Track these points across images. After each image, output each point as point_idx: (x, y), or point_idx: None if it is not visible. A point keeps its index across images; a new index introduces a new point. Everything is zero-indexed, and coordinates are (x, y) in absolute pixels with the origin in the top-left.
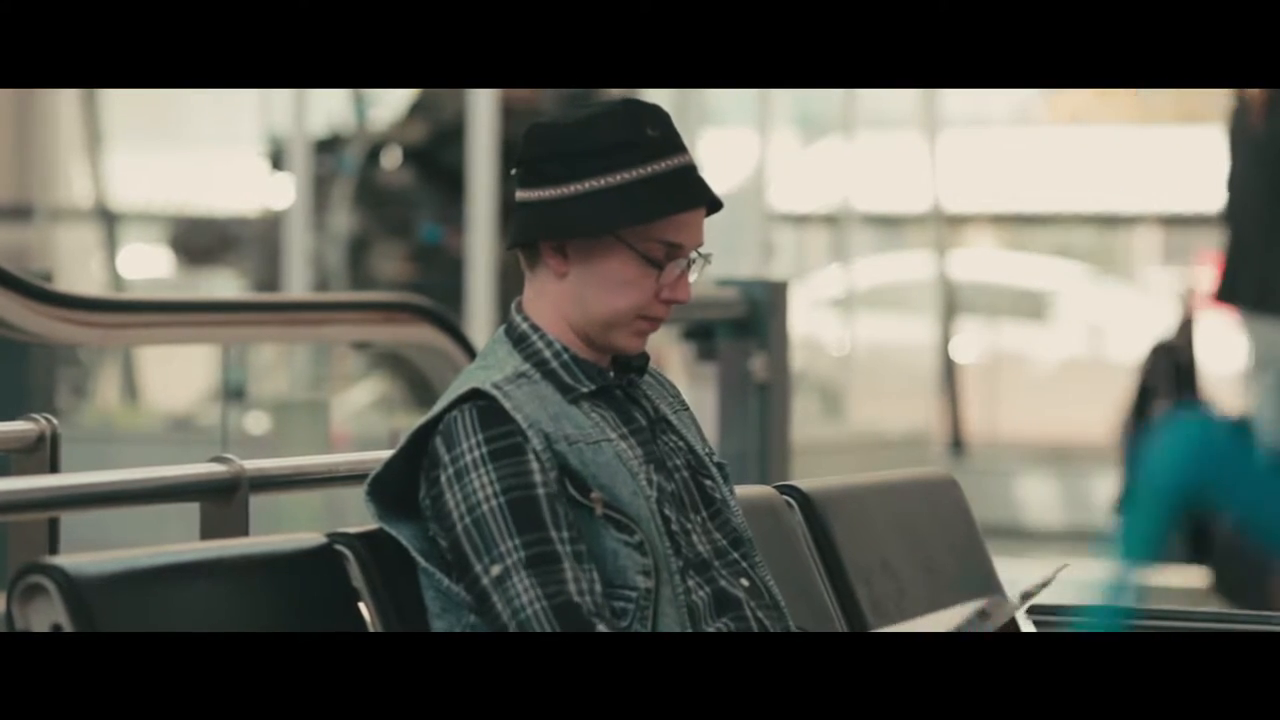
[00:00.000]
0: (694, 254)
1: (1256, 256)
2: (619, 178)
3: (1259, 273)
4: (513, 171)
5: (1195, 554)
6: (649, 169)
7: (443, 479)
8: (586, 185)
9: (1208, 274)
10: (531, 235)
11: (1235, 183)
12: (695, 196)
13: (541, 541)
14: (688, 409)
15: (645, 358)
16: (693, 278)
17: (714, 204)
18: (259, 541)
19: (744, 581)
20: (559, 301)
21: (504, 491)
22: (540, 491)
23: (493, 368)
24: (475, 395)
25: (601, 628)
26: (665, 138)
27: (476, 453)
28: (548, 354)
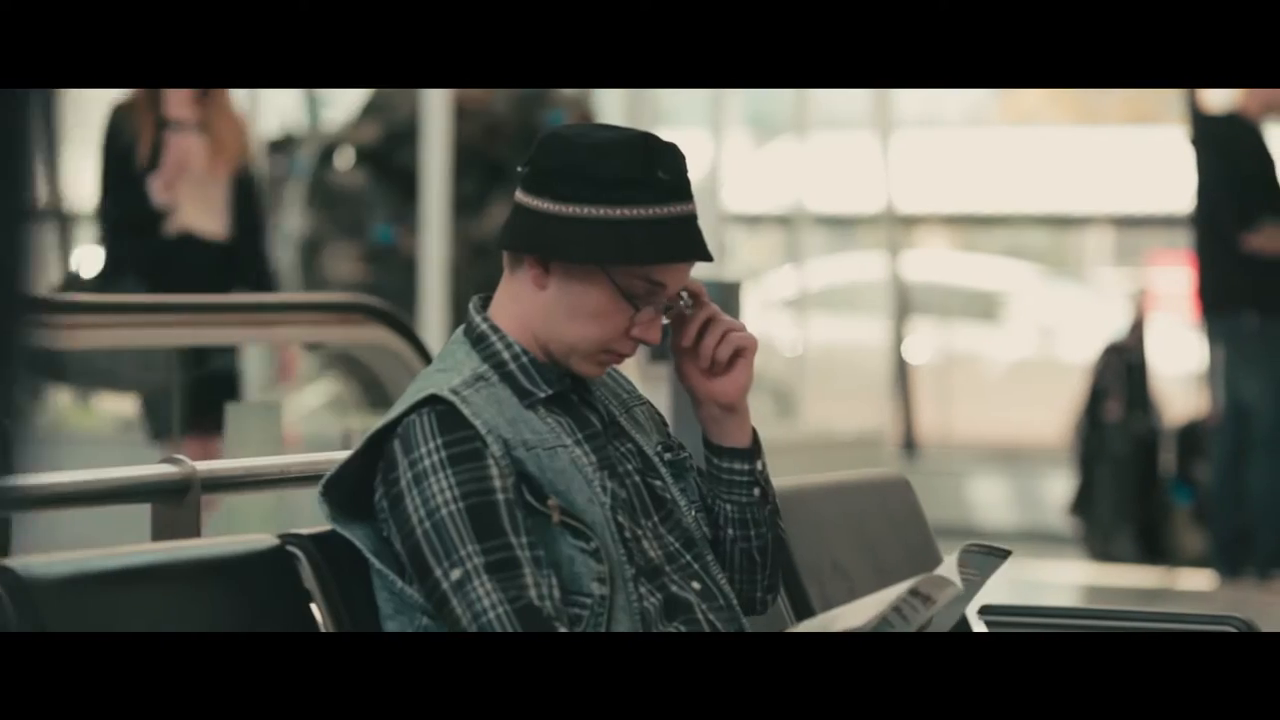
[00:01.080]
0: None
1: None
2: (619, 213)
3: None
4: (519, 168)
5: (1234, 563)
6: (650, 211)
7: (401, 482)
8: (585, 211)
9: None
10: (519, 244)
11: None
12: (688, 250)
13: (502, 547)
14: (644, 402)
15: None
16: (665, 320)
17: (706, 258)
18: (210, 543)
19: (695, 585)
20: (530, 310)
21: (463, 496)
22: (499, 497)
23: (451, 370)
24: (434, 400)
25: (563, 631)
26: (674, 183)
27: (435, 457)
28: (506, 356)
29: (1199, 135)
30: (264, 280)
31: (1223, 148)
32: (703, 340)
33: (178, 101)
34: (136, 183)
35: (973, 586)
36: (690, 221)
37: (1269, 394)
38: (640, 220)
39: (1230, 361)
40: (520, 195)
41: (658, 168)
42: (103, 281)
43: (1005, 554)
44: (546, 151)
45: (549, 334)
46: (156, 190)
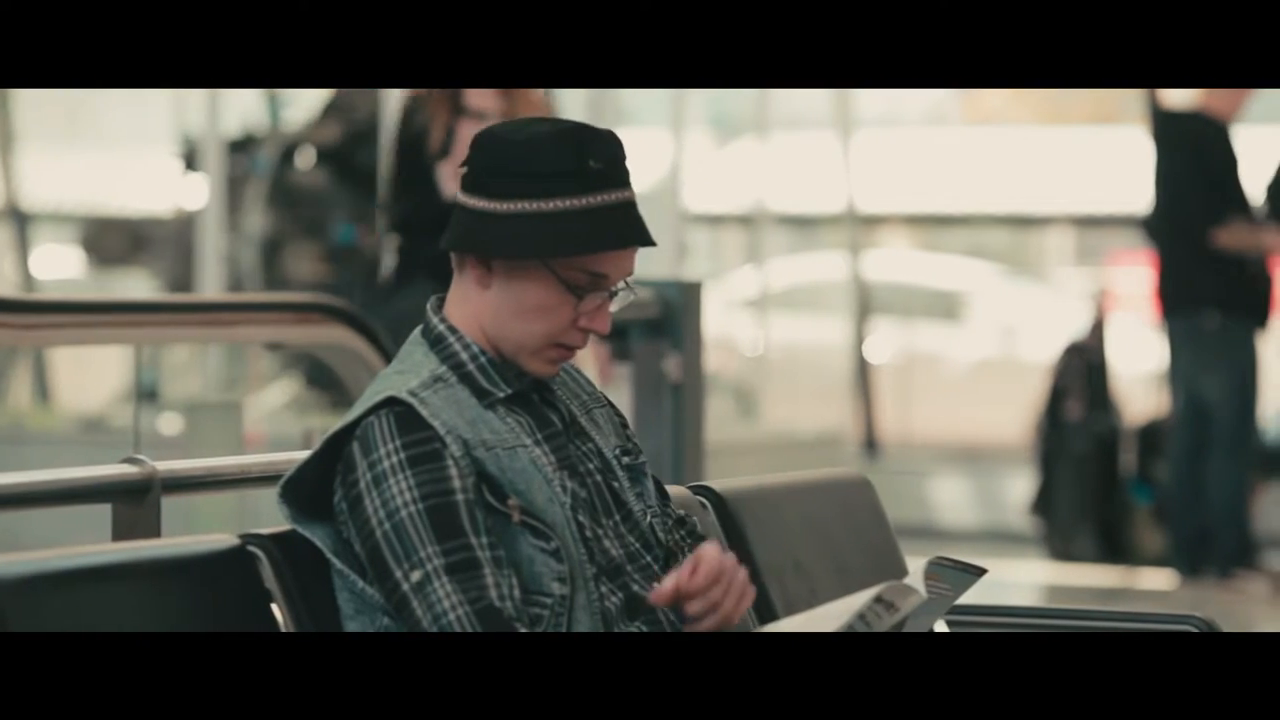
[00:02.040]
0: (619, 285)
1: None
2: (553, 205)
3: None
4: (461, 168)
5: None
6: (584, 201)
7: (361, 484)
8: (520, 206)
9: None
10: (460, 245)
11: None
12: (626, 236)
13: (462, 548)
14: (604, 404)
15: None
16: (614, 308)
17: (646, 243)
18: (171, 543)
19: (655, 585)
20: (479, 309)
21: (423, 498)
22: (459, 498)
23: (409, 372)
24: (392, 402)
25: (523, 631)
26: (608, 171)
27: (395, 458)
28: (464, 356)
29: (1163, 133)
30: None
31: (1189, 145)
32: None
33: (479, 91)
34: (426, 175)
35: (944, 601)
36: (626, 208)
37: (1229, 394)
38: (575, 211)
39: (1191, 361)
40: (460, 196)
41: (589, 157)
42: (396, 281)
43: (981, 572)
44: (481, 150)
45: (498, 333)
46: (446, 179)
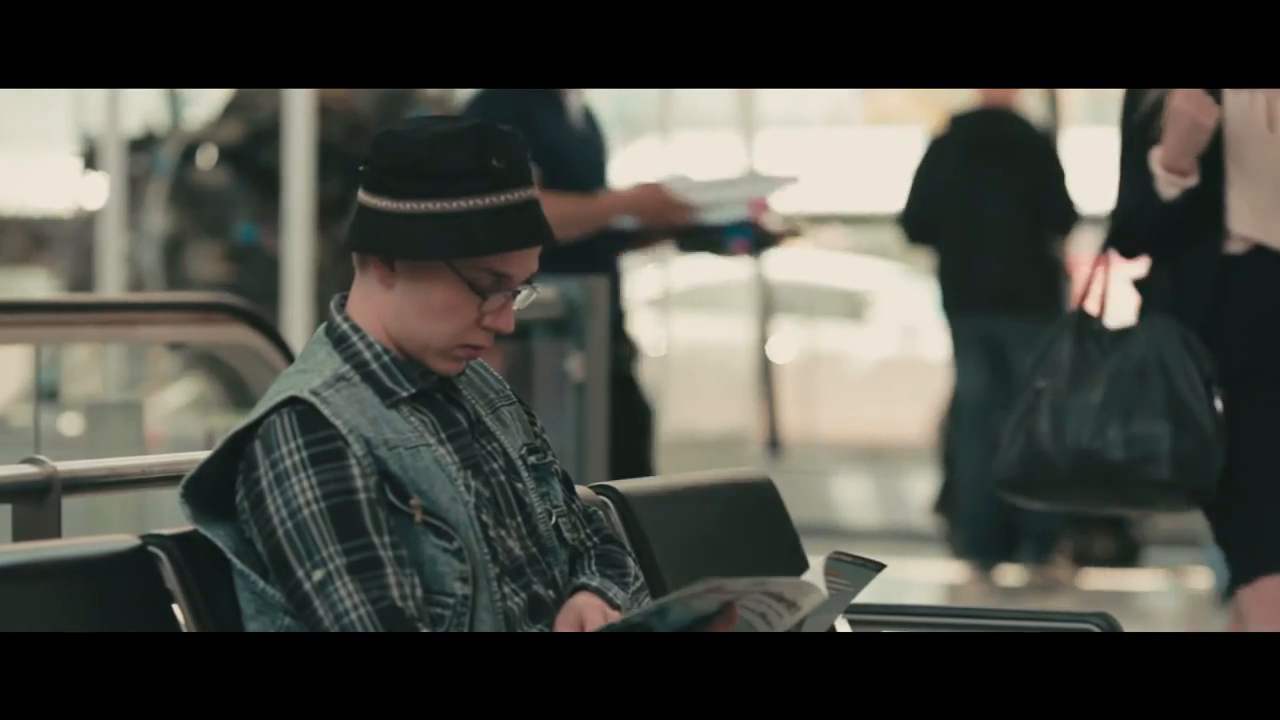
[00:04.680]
0: (522, 284)
1: None
2: (455, 205)
3: None
4: (360, 168)
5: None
6: (486, 201)
7: (262, 483)
8: (423, 206)
9: None
10: (363, 245)
11: None
12: (527, 235)
13: (364, 547)
14: (513, 402)
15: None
16: (517, 306)
17: (549, 242)
18: (71, 543)
19: (551, 592)
20: (382, 309)
21: (325, 497)
22: (361, 497)
23: (311, 371)
24: (294, 401)
25: (424, 631)
26: (510, 170)
27: (296, 457)
28: (368, 355)
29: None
30: None
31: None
32: None
33: None
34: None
35: (844, 597)
36: (529, 207)
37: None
38: (477, 211)
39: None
40: (361, 195)
41: (491, 156)
42: None
43: (879, 567)
44: (382, 149)
45: (402, 333)
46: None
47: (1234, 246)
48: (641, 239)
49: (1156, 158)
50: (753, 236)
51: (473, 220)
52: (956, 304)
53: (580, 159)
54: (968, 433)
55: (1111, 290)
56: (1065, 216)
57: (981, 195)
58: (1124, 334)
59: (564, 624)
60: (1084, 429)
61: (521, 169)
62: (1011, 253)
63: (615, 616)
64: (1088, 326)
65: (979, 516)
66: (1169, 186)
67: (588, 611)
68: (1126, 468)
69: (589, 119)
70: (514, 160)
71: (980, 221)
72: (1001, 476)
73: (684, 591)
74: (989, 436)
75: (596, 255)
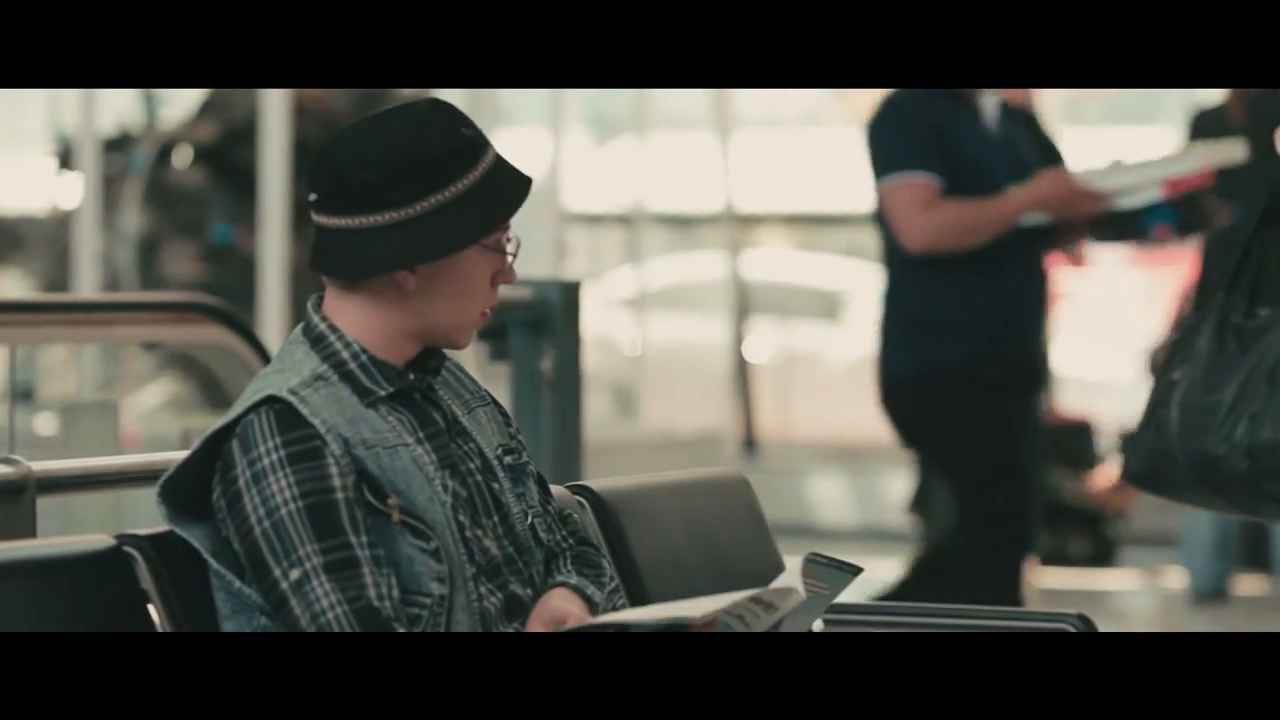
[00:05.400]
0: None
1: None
2: (463, 184)
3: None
4: (312, 197)
5: None
6: (482, 167)
7: (240, 482)
8: (439, 199)
9: None
10: (388, 264)
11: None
12: (522, 178)
13: (341, 546)
14: (488, 403)
15: (441, 358)
16: (512, 251)
17: (528, 177)
18: (47, 543)
19: (529, 591)
20: (394, 317)
21: (303, 496)
22: (339, 496)
23: (289, 370)
24: (272, 400)
25: (401, 631)
26: (476, 131)
27: (274, 456)
28: (345, 355)
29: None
30: None
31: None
32: None
33: None
34: None
35: (821, 600)
36: (501, 155)
37: None
38: (482, 180)
39: None
40: (353, 220)
41: (459, 125)
42: None
43: (856, 570)
44: (356, 169)
45: (425, 328)
46: None
47: None
48: (1054, 234)
49: None
50: (1176, 219)
51: (486, 188)
52: None
53: (999, 162)
54: None
55: (1267, 275)
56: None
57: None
58: (1263, 329)
59: (540, 618)
60: (1210, 432)
61: (476, 126)
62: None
63: (588, 619)
64: (1230, 316)
65: None
66: None
67: (569, 605)
68: (1249, 479)
69: (1016, 116)
70: (470, 121)
71: None
72: (1131, 469)
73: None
74: None
75: (1007, 255)
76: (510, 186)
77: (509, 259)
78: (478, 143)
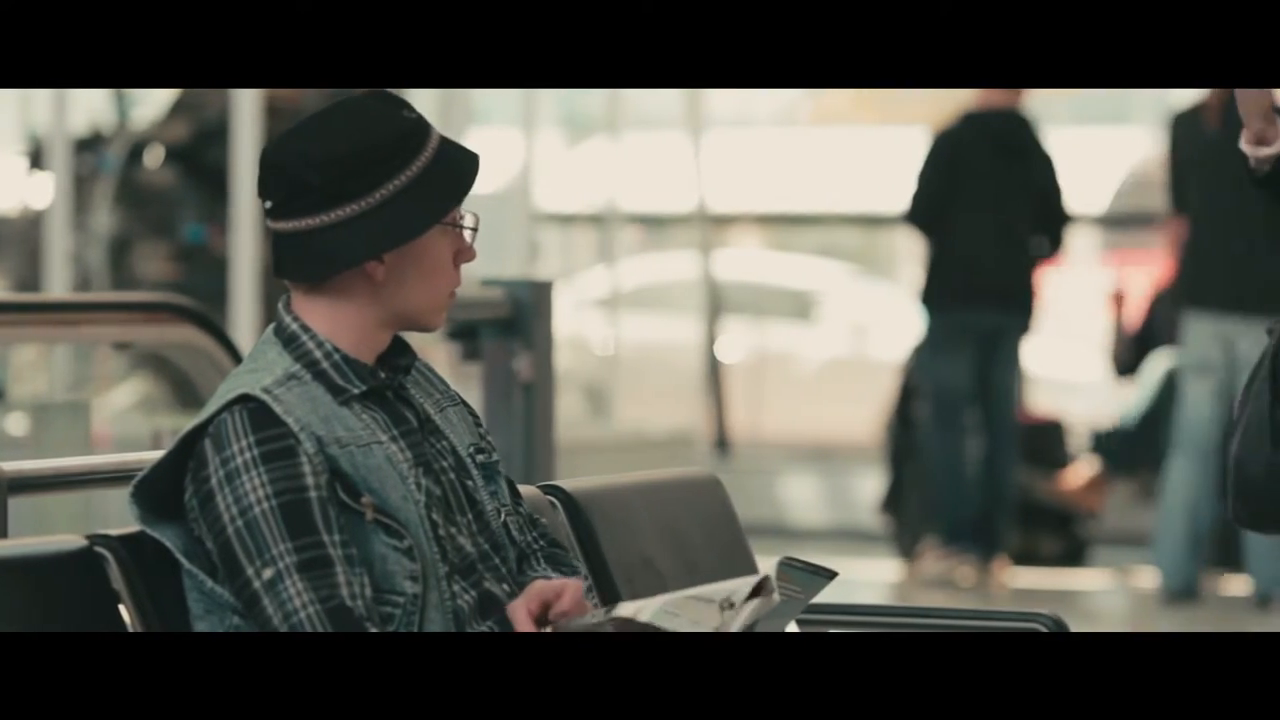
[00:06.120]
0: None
1: (1227, 256)
2: (418, 165)
3: (1236, 272)
4: (268, 205)
5: None
6: (431, 145)
7: (212, 481)
8: (394, 186)
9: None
10: (359, 256)
11: (1188, 185)
12: (470, 153)
13: (314, 545)
14: (458, 403)
15: (412, 356)
16: (471, 227)
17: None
18: (17, 543)
19: (504, 586)
20: (364, 308)
21: (276, 494)
22: (313, 495)
23: (262, 370)
24: (245, 399)
25: (373, 631)
26: (418, 114)
27: (248, 454)
28: (318, 354)
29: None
30: None
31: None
32: None
33: None
34: None
35: (795, 603)
36: (440, 134)
37: (1012, 383)
38: (436, 158)
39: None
40: (318, 219)
41: (402, 108)
42: None
43: (831, 575)
44: (311, 169)
45: (397, 315)
46: None
47: None
48: None
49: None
50: None
51: (439, 168)
52: (953, 298)
53: None
54: (945, 423)
55: None
56: (1063, 229)
57: (994, 193)
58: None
59: (534, 598)
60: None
61: (409, 104)
62: (1015, 253)
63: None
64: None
65: (952, 504)
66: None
67: (564, 587)
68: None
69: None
70: (408, 103)
71: (990, 219)
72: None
73: (589, 623)
74: (961, 427)
75: None
76: (462, 161)
77: (468, 235)
78: (422, 124)
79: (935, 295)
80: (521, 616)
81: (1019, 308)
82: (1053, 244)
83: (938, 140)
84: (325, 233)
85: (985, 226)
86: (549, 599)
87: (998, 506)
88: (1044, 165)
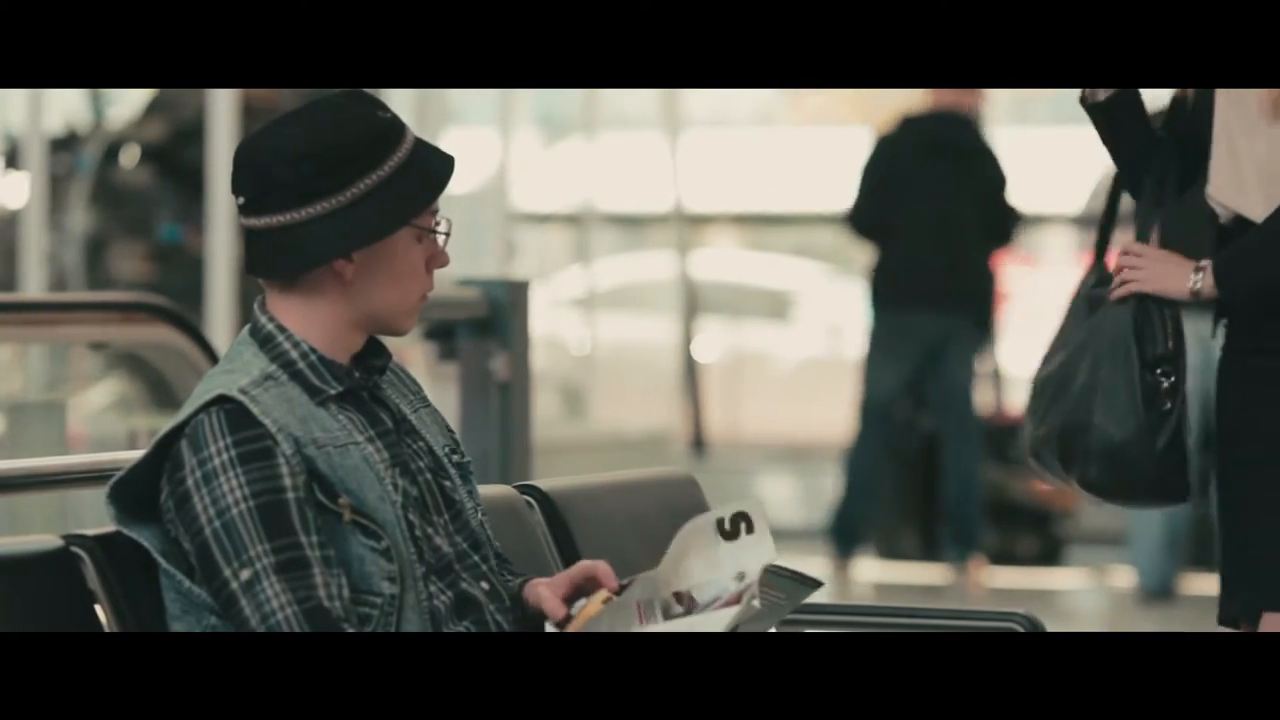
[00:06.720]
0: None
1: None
2: (391, 164)
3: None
4: (240, 201)
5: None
6: (405, 146)
7: (189, 482)
8: (366, 184)
9: None
10: (326, 255)
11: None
12: (445, 156)
13: (291, 546)
14: (429, 405)
15: (388, 357)
16: (444, 231)
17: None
18: None
19: (484, 584)
20: (336, 308)
21: (254, 495)
22: (290, 495)
23: (238, 371)
24: (222, 400)
25: (351, 632)
26: (393, 114)
27: (225, 455)
28: (294, 355)
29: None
30: None
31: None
32: None
33: None
34: None
35: (778, 610)
36: (415, 135)
37: (969, 386)
38: (408, 159)
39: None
40: (289, 215)
41: (377, 109)
42: None
43: (816, 584)
44: (285, 165)
45: (367, 316)
46: None
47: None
48: None
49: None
50: None
51: (412, 167)
52: (897, 301)
53: None
54: (867, 423)
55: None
56: (1010, 224)
57: (935, 195)
58: (1101, 301)
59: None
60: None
61: (385, 105)
62: (960, 253)
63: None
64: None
65: (845, 504)
66: None
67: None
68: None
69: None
70: (384, 104)
71: (932, 221)
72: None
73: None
74: (885, 431)
75: None
76: (435, 163)
77: (441, 239)
78: (397, 124)
79: (879, 298)
80: (552, 604)
81: (967, 308)
82: (1001, 240)
83: (877, 145)
84: (295, 230)
85: (927, 229)
86: (578, 582)
87: (969, 507)
88: (987, 163)
